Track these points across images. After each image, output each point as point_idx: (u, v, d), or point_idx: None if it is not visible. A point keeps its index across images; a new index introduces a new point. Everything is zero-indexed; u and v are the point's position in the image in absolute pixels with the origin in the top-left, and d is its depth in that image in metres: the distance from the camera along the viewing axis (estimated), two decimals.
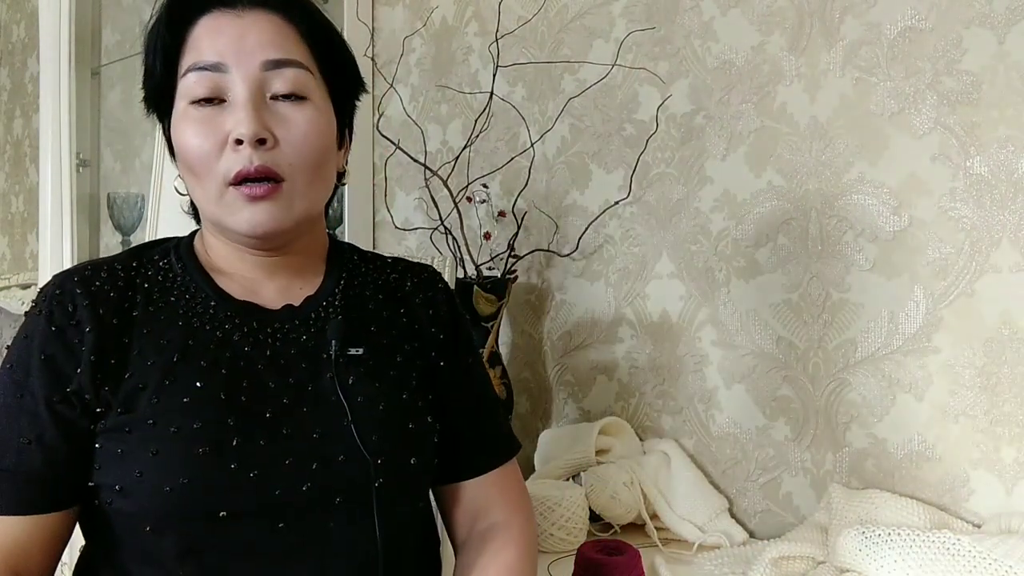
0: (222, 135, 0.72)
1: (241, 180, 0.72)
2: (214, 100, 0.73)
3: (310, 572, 0.71)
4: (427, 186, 1.66)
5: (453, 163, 1.64)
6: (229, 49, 0.72)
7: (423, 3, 1.91)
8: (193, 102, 0.73)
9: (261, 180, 0.72)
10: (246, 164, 0.72)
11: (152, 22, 0.76)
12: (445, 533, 0.91)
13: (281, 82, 0.74)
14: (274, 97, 0.74)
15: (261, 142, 0.72)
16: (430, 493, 0.87)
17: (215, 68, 0.72)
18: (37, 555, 0.70)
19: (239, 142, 0.72)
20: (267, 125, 0.73)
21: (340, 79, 0.81)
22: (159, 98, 0.78)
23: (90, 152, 2.35)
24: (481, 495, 0.86)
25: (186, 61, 0.74)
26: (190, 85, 0.73)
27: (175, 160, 0.79)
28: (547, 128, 1.64)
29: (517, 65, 1.69)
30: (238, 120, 0.72)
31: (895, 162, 1.22)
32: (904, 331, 1.21)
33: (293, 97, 0.74)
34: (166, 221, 1.85)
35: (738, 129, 1.39)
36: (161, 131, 0.81)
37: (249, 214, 0.73)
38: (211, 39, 0.73)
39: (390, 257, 0.92)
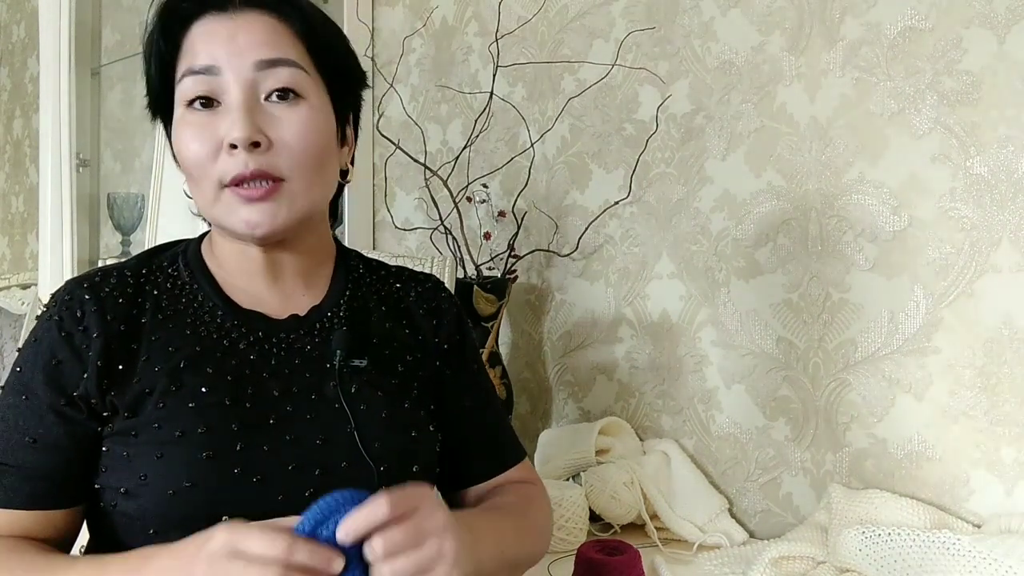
0: (217, 139, 0.72)
1: (238, 183, 0.72)
2: (212, 103, 0.73)
3: None
4: (427, 186, 1.66)
5: (453, 163, 1.64)
6: (221, 51, 0.72)
7: (423, 3, 1.91)
8: (189, 105, 0.74)
9: (258, 181, 0.73)
10: (242, 168, 0.71)
11: (148, 30, 0.77)
12: None
13: (273, 81, 0.73)
14: (268, 97, 0.74)
15: (255, 145, 0.72)
16: None
17: (208, 71, 0.72)
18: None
19: (233, 146, 0.72)
20: (260, 127, 0.72)
21: (338, 76, 0.80)
22: (160, 104, 0.79)
23: (90, 152, 2.35)
24: (483, 494, 0.88)
25: (182, 66, 0.74)
26: (185, 90, 0.73)
27: (177, 163, 0.79)
28: (547, 128, 1.64)
29: (517, 65, 1.69)
30: (231, 124, 0.71)
31: (895, 162, 1.22)
32: (904, 331, 1.21)
33: (288, 96, 0.74)
34: (166, 221, 1.86)
35: (738, 129, 1.39)
36: (165, 135, 0.82)
37: (246, 214, 0.73)
38: (204, 43, 0.73)
39: (394, 266, 0.92)
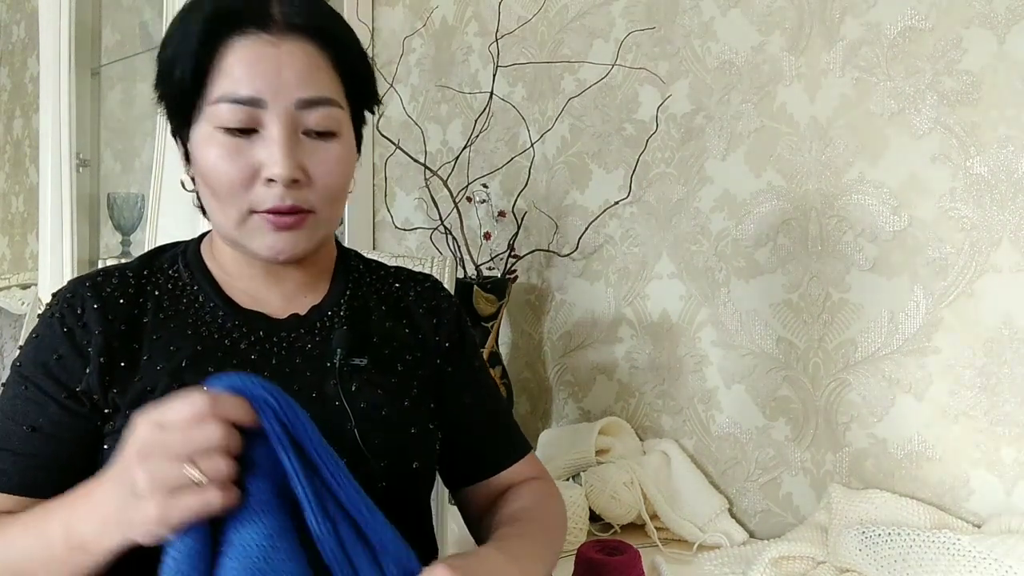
0: (252, 167, 0.72)
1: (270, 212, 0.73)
2: (247, 130, 0.72)
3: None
4: (427, 186, 1.66)
5: (453, 163, 1.64)
6: (266, 85, 0.71)
7: (423, 3, 1.91)
8: (223, 129, 0.72)
9: (290, 212, 0.73)
10: (278, 203, 0.72)
11: (181, 26, 0.74)
12: (444, 538, 0.92)
13: (314, 120, 0.73)
14: (306, 132, 0.74)
15: (294, 181, 0.73)
16: (431, 500, 0.88)
17: (252, 103, 0.71)
18: None
19: (271, 180, 0.72)
20: (300, 164, 0.73)
21: (363, 104, 0.81)
22: (178, 108, 0.76)
23: (90, 152, 2.35)
24: (502, 487, 0.89)
25: (217, 85, 0.72)
26: (223, 114, 0.72)
27: (188, 164, 0.78)
28: (547, 128, 1.64)
29: (517, 65, 1.69)
30: (273, 159, 0.71)
31: (895, 162, 1.22)
32: (904, 331, 1.21)
33: (325, 134, 0.75)
34: (166, 221, 1.85)
35: (738, 129, 1.39)
36: (171, 131, 0.80)
37: (272, 241, 0.74)
38: (247, 70, 0.71)
39: (392, 266, 0.93)
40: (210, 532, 0.57)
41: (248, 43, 0.72)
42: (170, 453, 0.56)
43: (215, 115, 0.72)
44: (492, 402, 0.92)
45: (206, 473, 0.56)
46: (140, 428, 0.58)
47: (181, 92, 0.74)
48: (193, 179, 0.79)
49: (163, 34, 0.77)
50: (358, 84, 0.79)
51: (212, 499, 0.56)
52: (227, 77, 0.72)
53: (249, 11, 0.72)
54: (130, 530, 0.58)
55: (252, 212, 0.73)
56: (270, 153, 0.71)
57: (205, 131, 0.73)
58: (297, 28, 0.73)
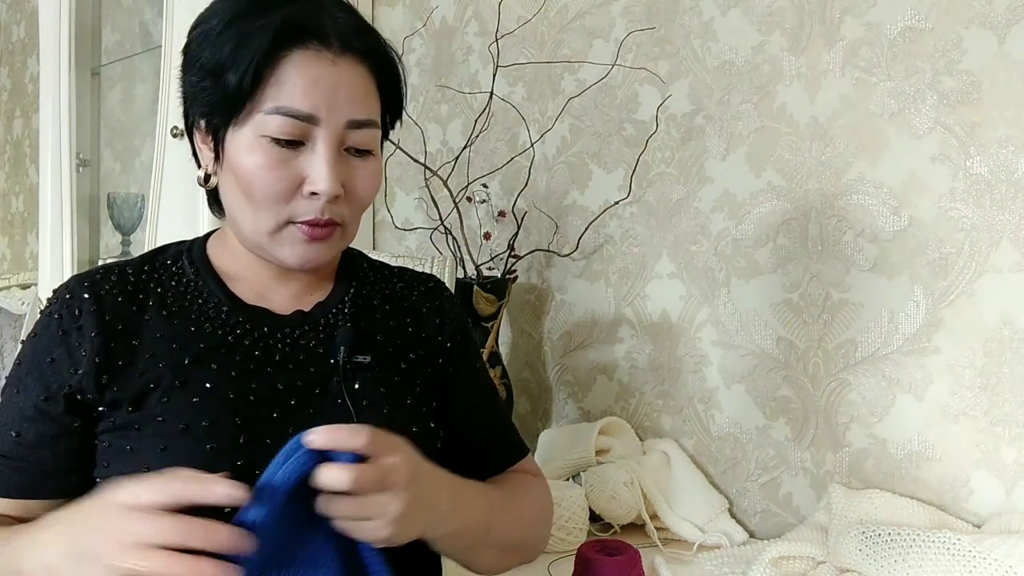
0: (297, 179, 0.73)
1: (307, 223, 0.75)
2: (293, 143, 0.73)
3: None
4: (427, 186, 1.66)
5: (453, 163, 1.64)
6: (323, 102, 0.72)
7: (423, 3, 1.91)
8: (270, 139, 0.73)
9: (326, 225, 0.75)
10: (317, 215, 0.74)
11: (235, 30, 0.72)
12: None
13: (358, 139, 0.76)
14: (347, 149, 0.76)
15: (335, 197, 0.75)
16: None
17: (307, 119, 0.72)
18: None
19: (314, 193, 0.73)
20: (342, 180, 0.75)
21: (392, 122, 0.84)
22: (223, 110, 0.74)
23: (90, 152, 2.35)
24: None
25: (271, 95, 0.72)
26: (275, 126, 0.72)
27: (216, 162, 0.77)
28: (547, 128, 1.64)
29: (517, 65, 1.69)
30: (320, 175, 0.73)
31: (895, 162, 1.22)
32: (904, 331, 1.21)
33: (363, 152, 0.77)
34: (166, 221, 1.85)
35: (738, 129, 1.39)
36: (186, 123, 0.80)
37: (303, 251, 0.76)
38: (306, 85, 0.72)
39: (395, 266, 0.94)
40: None
41: (309, 58, 0.73)
42: (126, 541, 0.56)
43: (265, 124, 0.72)
44: (492, 405, 0.93)
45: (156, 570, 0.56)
46: (107, 505, 0.58)
47: (234, 96, 0.73)
48: (207, 177, 0.79)
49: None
50: (394, 105, 0.82)
51: None
52: (284, 90, 0.72)
53: (311, 26, 0.73)
54: None
55: (289, 223, 0.75)
56: (317, 169, 0.73)
57: (249, 137, 0.73)
58: (353, 48, 0.75)
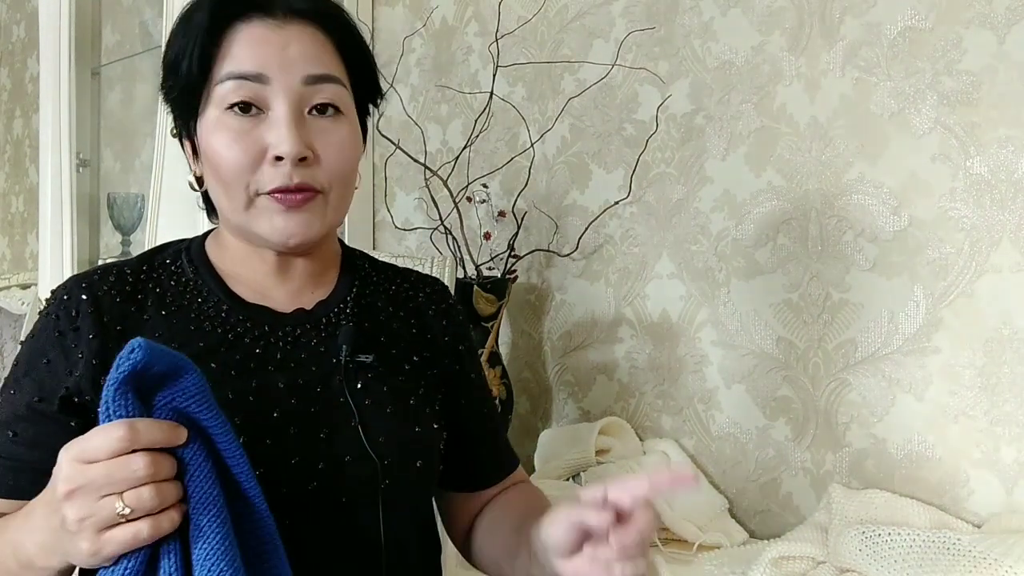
0: (259, 148, 0.72)
1: (278, 192, 0.73)
2: (251, 110, 0.73)
3: (314, 570, 0.71)
4: (427, 186, 1.66)
5: (453, 163, 1.64)
6: (271, 61, 0.72)
7: (423, 3, 1.91)
8: (228, 108, 0.73)
9: (298, 191, 0.73)
10: (286, 181, 0.72)
11: (184, 24, 0.75)
12: (446, 535, 0.92)
13: (320, 96, 0.74)
14: (311, 111, 0.74)
15: (302, 159, 0.73)
16: (432, 499, 0.88)
17: (256, 79, 0.72)
18: None
19: (279, 158, 0.72)
20: (308, 142, 0.73)
21: (366, 92, 0.82)
22: (186, 100, 0.76)
23: (90, 152, 2.35)
24: (487, 497, 0.90)
25: (222, 68, 0.73)
26: (227, 93, 0.72)
27: (196, 160, 0.78)
28: (547, 128, 1.64)
29: (517, 65, 1.69)
30: (280, 137, 0.72)
31: (895, 162, 1.22)
32: (904, 331, 1.21)
33: (328, 111, 0.75)
34: (166, 221, 1.85)
35: (738, 129, 1.39)
36: (177, 129, 0.80)
37: (283, 223, 0.74)
38: (252, 49, 0.72)
39: (400, 267, 0.93)
40: (150, 551, 0.58)
41: (253, 26, 0.73)
42: (94, 490, 0.56)
43: (220, 97, 0.73)
44: (490, 414, 0.93)
45: (132, 506, 0.55)
46: (64, 464, 0.57)
47: (188, 83, 0.74)
48: (199, 180, 0.79)
49: (163, 35, 0.77)
50: (361, 71, 0.80)
51: (142, 530, 0.56)
52: (231, 58, 0.73)
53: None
54: (67, 558, 0.60)
55: (259, 193, 0.73)
56: (276, 131, 0.72)
57: (212, 117, 0.74)
58: (301, 12, 0.74)
